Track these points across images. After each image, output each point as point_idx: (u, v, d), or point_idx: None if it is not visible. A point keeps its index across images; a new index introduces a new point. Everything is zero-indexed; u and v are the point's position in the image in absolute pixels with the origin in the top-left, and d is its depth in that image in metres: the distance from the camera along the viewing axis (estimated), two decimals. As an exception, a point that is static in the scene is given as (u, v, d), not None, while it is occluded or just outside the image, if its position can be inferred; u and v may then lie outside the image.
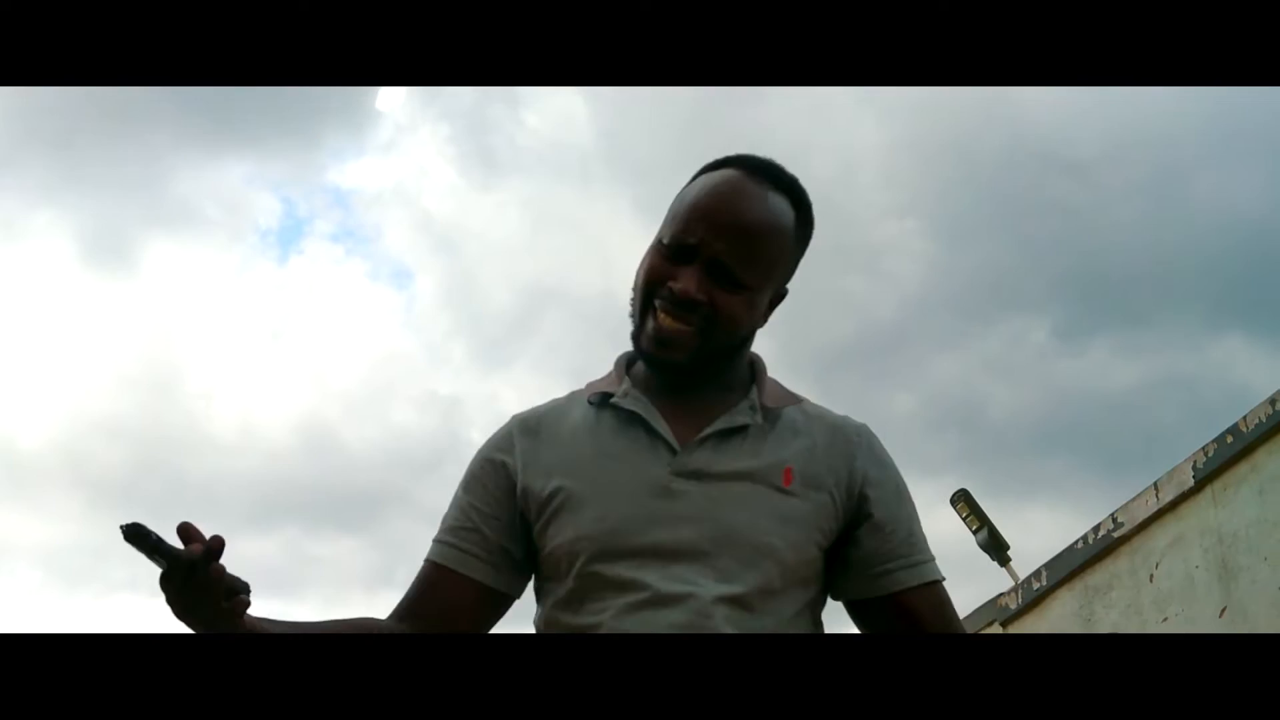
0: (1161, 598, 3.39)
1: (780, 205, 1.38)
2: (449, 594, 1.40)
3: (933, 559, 1.42)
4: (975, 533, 4.53)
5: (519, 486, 1.40)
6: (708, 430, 1.36)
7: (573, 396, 1.47)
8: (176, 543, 1.15)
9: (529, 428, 1.44)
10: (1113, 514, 3.64)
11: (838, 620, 1.44)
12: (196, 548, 1.15)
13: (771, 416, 1.41)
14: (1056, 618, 3.94)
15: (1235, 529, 3.12)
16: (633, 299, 1.40)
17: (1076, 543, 3.82)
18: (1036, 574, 4.08)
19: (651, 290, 1.35)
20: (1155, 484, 3.44)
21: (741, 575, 1.30)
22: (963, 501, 4.55)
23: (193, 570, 1.15)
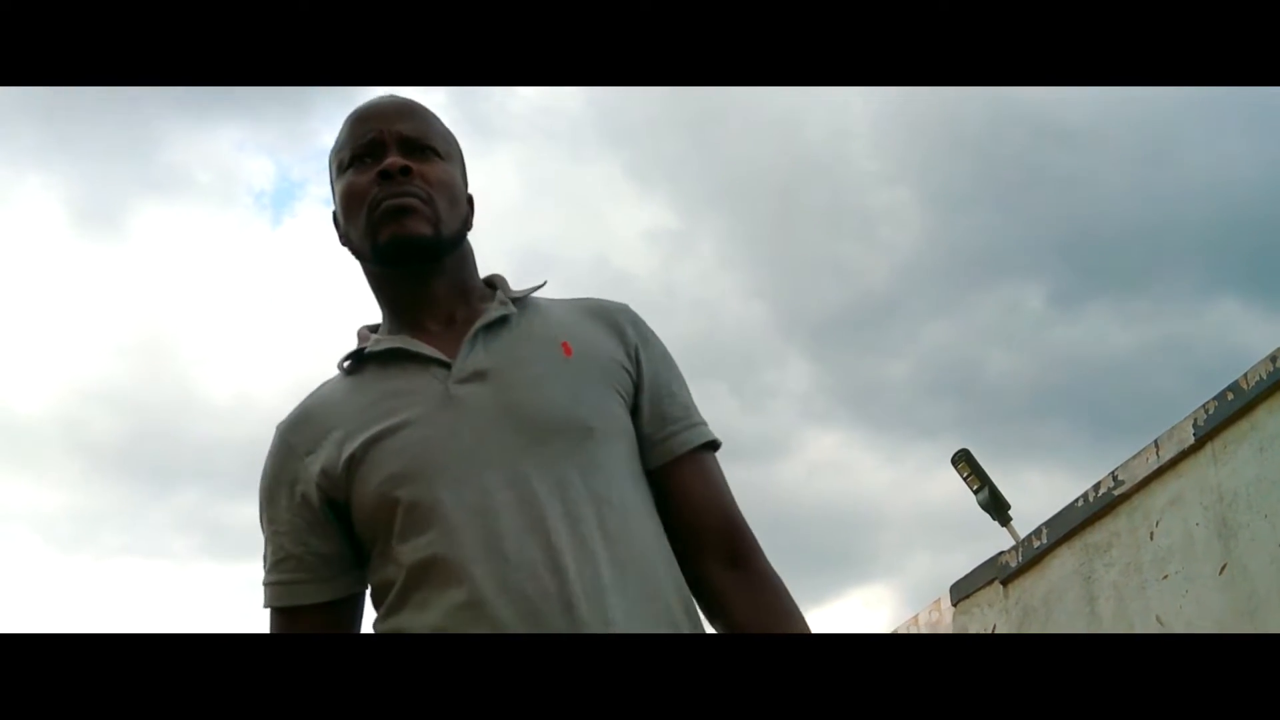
0: (1161, 555, 3.41)
1: (422, 103, 1.43)
2: (304, 629, 1.33)
3: (706, 422, 1.41)
4: (976, 492, 4.55)
5: (313, 475, 1.32)
6: (470, 331, 1.33)
7: (325, 382, 1.42)
8: None
9: (294, 422, 1.38)
10: (1113, 472, 3.65)
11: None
12: None
13: (525, 306, 1.40)
14: (1056, 576, 3.96)
15: (1235, 487, 3.14)
16: (350, 230, 1.37)
17: (1077, 501, 3.84)
18: (1036, 532, 4.10)
19: (363, 198, 1.33)
20: (1155, 442, 3.45)
21: (556, 452, 1.27)
22: (964, 462, 4.57)
23: None
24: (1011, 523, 4.50)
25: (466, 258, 1.41)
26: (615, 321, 1.41)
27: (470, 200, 1.44)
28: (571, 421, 1.29)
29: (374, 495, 1.27)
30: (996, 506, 4.51)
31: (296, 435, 1.35)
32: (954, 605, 4.64)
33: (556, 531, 1.22)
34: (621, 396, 1.35)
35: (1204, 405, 3.24)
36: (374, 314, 1.44)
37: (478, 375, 1.30)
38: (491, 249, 1.47)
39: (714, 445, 1.41)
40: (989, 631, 4.26)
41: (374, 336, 1.38)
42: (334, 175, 1.41)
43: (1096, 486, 3.73)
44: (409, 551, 1.25)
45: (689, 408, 1.41)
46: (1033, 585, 4.11)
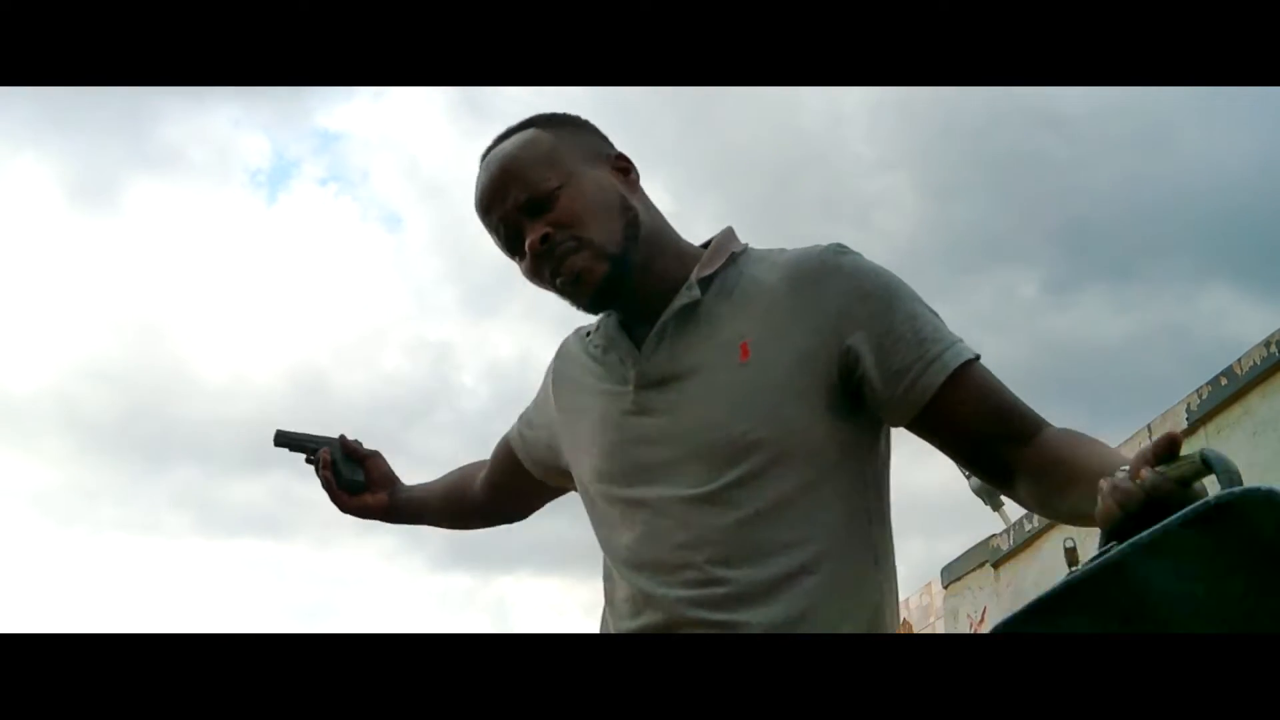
0: (1152, 539, 3.43)
1: (517, 139, 1.39)
2: (508, 469, 1.63)
3: (952, 343, 1.30)
4: (968, 478, 4.57)
5: (553, 427, 1.51)
6: (655, 329, 1.34)
7: (582, 332, 1.51)
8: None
9: (561, 353, 1.52)
10: (1105, 457, 3.67)
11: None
12: (325, 454, 1.69)
13: (721, 285, 1.36)
14: (1047, 559, 3.99)
15: (1227, 471, 3.15)
16: (552, 289, 1.40)
17: (1069, 485, 3.86)
18: (1028, 515, 4.12)
19: (543, 281, 1.36)
20: (1149, 426, 3.47)
21: (717, 473, 1.28)
22: (956, 445, 4.58)
23: (317, 468, 1.70)
24: (1003, 507, 4.53)
25: (651, 238, 1.38)
26: (813, 287, 1.32)
27: (619, 166, 1.41)
28: (734, 437, 1.28)
29: (572, 472, 1.46)
30: (988, 491, 4.53)
31: (556, 365, 1.52)
32: (945, 588, 4.67)
33: (686, 549, 1.29)
34: (808, 393, 1.30)
35: (1198, 390, 3.26)
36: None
37: (657, 383, 1.34)
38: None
39: (965, 370, 1.29)
40: (980, 612, 4.29)
41: (600, 319, 1.44)
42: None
43: (1089, 470, 3.75)
44: (601, 535, 1.41)
45: (922, 343, 1.29)
46: (1024, 568, 4.14)
